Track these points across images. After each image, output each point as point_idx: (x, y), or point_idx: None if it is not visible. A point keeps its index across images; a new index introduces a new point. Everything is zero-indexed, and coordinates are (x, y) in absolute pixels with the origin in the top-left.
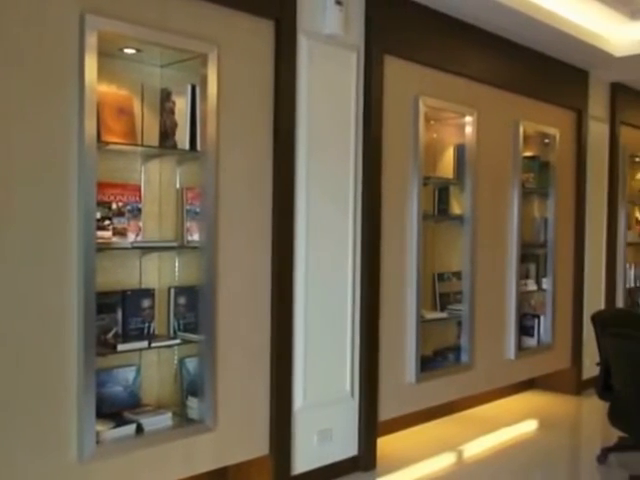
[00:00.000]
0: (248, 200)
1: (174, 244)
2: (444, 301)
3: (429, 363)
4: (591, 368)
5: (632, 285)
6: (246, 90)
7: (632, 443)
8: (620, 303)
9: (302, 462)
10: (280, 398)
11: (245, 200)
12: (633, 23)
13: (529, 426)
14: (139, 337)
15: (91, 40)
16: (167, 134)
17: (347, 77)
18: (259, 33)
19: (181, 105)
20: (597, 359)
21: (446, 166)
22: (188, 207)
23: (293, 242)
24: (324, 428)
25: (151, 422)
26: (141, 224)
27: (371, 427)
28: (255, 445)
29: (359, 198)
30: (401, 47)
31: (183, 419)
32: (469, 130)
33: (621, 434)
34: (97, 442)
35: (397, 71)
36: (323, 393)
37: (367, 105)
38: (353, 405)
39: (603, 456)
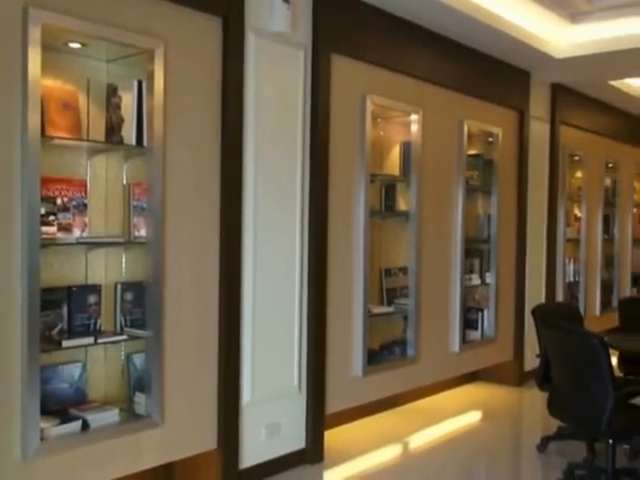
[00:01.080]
0: (196, 196)
1: (120, 240)
2: (391, 296)
3: (376, 357)
4: (532, 360)
5: (571, 279)
6: (194, 87)
7: (570, 432)
8: (560, 297)
9: (250, 456)
10: (228, 393)
11: (193, 196)
12: (573, 26)
13: (473, 417)
14: (85, 333)
15: (35, 34)
16: (113, 129)
17: (295, 75)
18: (207, 30)
19: (128, 101)
20: (538, 351)
21: (392, 163)
22: (135, 203)
23: (241, 238)
24: (272, 422)
25: (97, 418)
26: (87, 219)
27: (318, 421)
28: (203, 440)
29: (306, 195)
30: (348, 46)
31: (130, 415)
32: (415, 128)
33: (560, 423)
34: (41, 439)
35: (344, 70)
36: (271, 388)
37: (314, 103)
38: (301, 399)
39: (543, 445)
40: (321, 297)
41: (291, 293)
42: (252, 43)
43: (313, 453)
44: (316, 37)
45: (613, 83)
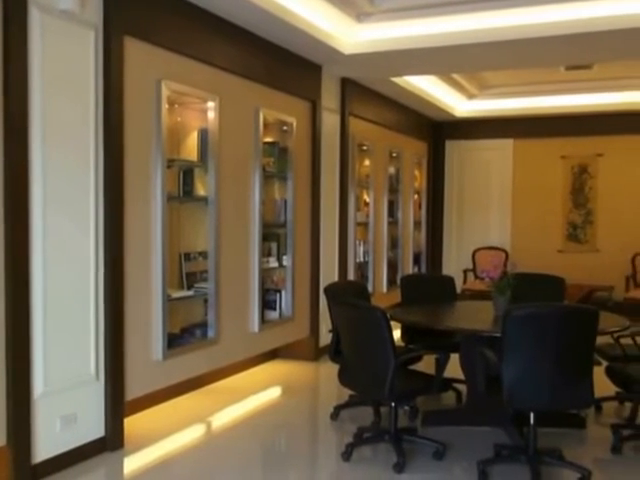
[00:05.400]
0: None
1: None
2: (191, 280)
3: (176, 340)
4: (327, 336)
5: (361, 260)
6: None
7: (359, 399)
8: (351, 276)
9: (44, 449)
10: (17, 386)
11: None
12: (359, 25)
13: (273, 393)
14: None
15: None
16: None
17: (85, 56)
18: None
19: None
20: (331, 327)
21: (190, 149)
22: None
23: (29, 225)
24: (68, 413)
25: None
26: None
27: (118, 407)
28: None
29: (101, 180)
30: (143, 29)
31: None
32: (212, 115)
33: (351, 392)
34: None
35: (139, 53)
36: (66, 377)
37: (107, 86)
38: (99, 387)
39: (335, 413)
40: (118, 283)
41: (85, 279)
42: (37, 20)
43: (113, 440)
44: (108, 18)
45: (395, 80)
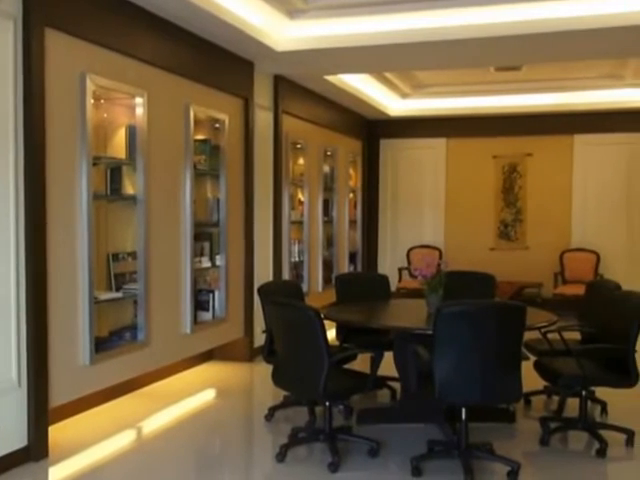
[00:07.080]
0: None
1: None
2: (119, 281)
3: (105, 343)
4: (262, 336)
5: (296, 259)
6: None
7: (294, 399)
8: (286, 275)
9: None
10: None
11: None
12: (291, 22)
13: (207, 395)
14: None
15: None
16: None
17: (3, 50)
18: None
19: None
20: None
21: (118, 146)
22: None
23: None
24: None
25: None
26: None
27: (41, 415)
28: None
29: (21, 180)
30: (66, 21)
31: None
32: (140, 111)
33: (285, 393)
34: None
35: (61, 46)
36: None
37: (27, 81)
38: (20, 394)
39: (270, 414)
40: (40, 285)
41: (5, 282)
42: None
43: (37, 450)
44: (27, 8)
45: (328, 78)
